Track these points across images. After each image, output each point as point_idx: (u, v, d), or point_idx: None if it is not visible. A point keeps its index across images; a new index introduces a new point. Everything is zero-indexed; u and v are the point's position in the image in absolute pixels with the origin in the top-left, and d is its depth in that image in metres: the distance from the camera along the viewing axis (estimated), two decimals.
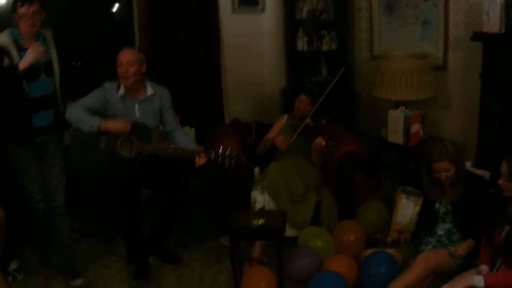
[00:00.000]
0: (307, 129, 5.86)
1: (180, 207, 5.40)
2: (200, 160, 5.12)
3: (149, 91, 5.32)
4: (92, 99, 5.20)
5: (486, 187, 4.68)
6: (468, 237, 4.53)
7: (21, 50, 4.72)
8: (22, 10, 4.68)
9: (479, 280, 3.91)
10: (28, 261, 5.49)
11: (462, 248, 4.48)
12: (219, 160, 5.11)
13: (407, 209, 5.07)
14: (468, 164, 5.24)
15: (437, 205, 4.81)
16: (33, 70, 4.76)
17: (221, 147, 5.16)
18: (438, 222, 4.82)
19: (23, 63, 4.61)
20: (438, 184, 4.75)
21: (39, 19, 4.75)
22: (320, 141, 5.63)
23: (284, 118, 6.21)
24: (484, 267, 4.14)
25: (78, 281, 5.25)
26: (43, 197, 5.11)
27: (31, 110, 4.87)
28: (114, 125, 5.06)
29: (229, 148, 5.15)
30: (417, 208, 5.00)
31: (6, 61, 4.67)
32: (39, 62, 4.78)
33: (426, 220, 4.89)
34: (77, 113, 5.06)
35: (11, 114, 4.86)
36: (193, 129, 6.57)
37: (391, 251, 4.96)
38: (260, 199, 4.69)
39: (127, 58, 5.15)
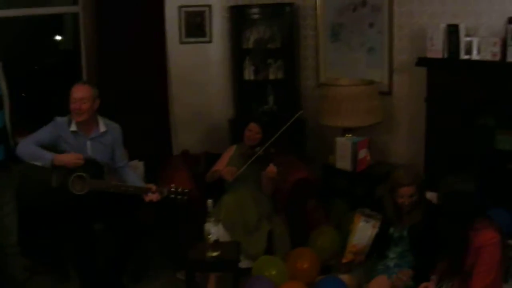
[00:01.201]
0: (257, 158, 5.86)
1: (132, 241, 5.35)
2: (153, 197, 5.11)
3: (102, 127, 5.30)
4: (44, 134, 5.15)
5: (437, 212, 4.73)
6: (421, 261, 4.57)
7: None
8: None
9: None
10: None
11: (404, 275, 4.53)
12: (172, 197, 5.12)
13: (364, 231, 5.09)
14: None
15: (391, 230, 4.86)
16: None
17: (173, 185, 5.17)
18: (391, 246, 4.86)
19: None
20: (396, 210, 4.80)
21: None
22: (272, 168, 5.67)
23: (233, 149, 6.22)
24: (434, 277, 4.22)
25: None
26: None
27: None
28: (67, 158, 5.01)
29: (181, 185, 5.18)
30: (375, 231, 5.03)
31: None
32: None
33: (379, 244, 4.93)
34: (29, 148, 4.99)
35: None
36: (142, 162, 6.51)
37: (344, 277, 4.99)
38: (214, 231, 4.65)
39: (81, 95, 5.11)
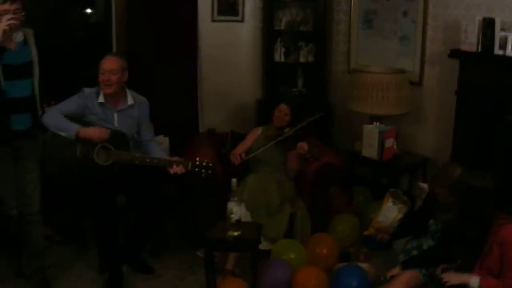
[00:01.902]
0: (285, 139, 5.85)
1: (155, 216, 5.36)
2: (177, 169, 5.10)
3: (129, 100, 5.29)
4: (71, 104, 5.14)
5: None
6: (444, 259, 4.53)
7: None
8: (3, 7, 4.61)
9: (475, 281, 3.94)
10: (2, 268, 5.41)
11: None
12: (196, 170, 5.11)
13: (390, 212, 5.12)
14: None
15: (431, 221, 4.82)
16: (11, 70, 4.69)
17: (197, 158, 5.16)
18: (426, 237, 4.83)
19: None
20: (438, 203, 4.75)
21: (20, 18, 4.66)
22: (303, 145, 5.65)
23: (259, 130, 6.20)
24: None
25: None
26: (17, 204, 5.04)
27: (9, 111, 4.80)
28: (93, 132, 5.00)
29: (206, 159, 5.16)
30: (400, 216, 5.05)
31: None
32: (18, 61, 4.72)
33: (413, 232, 4.92)
34: (55, 118, 4.99)
35: None
36: (167, 138, 6.53)
37: (363, 265, 4.98)
38: (237, 210, 4.63)
39: (110, 66, 5.09)
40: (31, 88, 4.87)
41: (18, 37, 4.68)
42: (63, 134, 4.98)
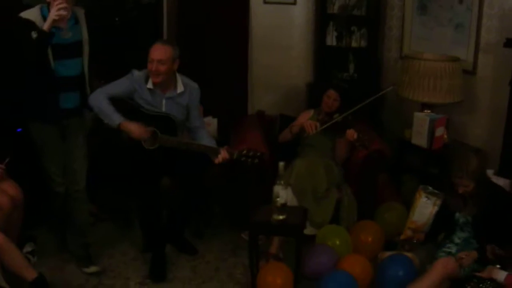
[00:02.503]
0: (334, 125, 5.83)
1: (200, 198, 5.38)
2: (223, 156, 5.09)
3: (179, 88, 5.27)
4: (119, 86, 5.15)
5: (508, 200, 4.62)
6: (484, 247, 4.48)
7: None
8: None
9: (502, 274, 3.91)
10: (43, 244, 5.49)
11: (468, 259, 4.43)
12: (243, 159, 5.09)
13: (425, 208, 5.05)
14: (490, 172, 5.18)
15: (457, 214, 4.77)
16: (62, 49, 4.74)
17: (245, 147, 5.14)
18: (456, 231, 4.78)
19: (47, 24, 4.52)
20: (459, 194, 4.70)
21: (69, 8, 4.66)
22: (352, 132, 5.62)
23: (311, 113, 6.19)
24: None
25: (92, 268, 5.25)
26: (64, 181, 5.10)
27: (58, 89, 4.85)
28: (134, 129, 5.01)
29: (254, 148, 5.15)
30: (435, 209, 4.98)
31: (34, 35, 4.61)
32: (68, 41, 4.76)
33: (441, 226, 4.87)
34: (101, 102, 5.00)
35: (38, 92, 4.83)
36: (215, 119, 6.54)
37: (409, 255, 4.93)
38: (283, 194, 4.62)
39: (159, 56, 5.04)
40: (80, 67, 4.93)
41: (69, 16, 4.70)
42: (105, 120, 5.00)
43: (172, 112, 5.23)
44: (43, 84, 4.80)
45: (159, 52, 5.06)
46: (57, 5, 4.51)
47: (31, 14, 4.70)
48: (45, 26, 4.52)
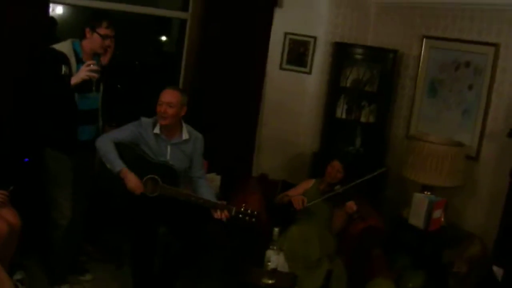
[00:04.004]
0: (335, 196, 5.88)
1: (192, 250, 5.41)
2: (221, 215, 5.16)
3: (184, 135, 5.38)
4: (125, 132, 5.27)
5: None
6: None
7: (79, 62, 4.93)
8: (107, 31, 4.97)
9: None
10: (33, 274, 5.52)
11: None
12: (240, 216, 5.15)
13: None
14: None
15: None
16: (86, 85, 4.92)
17: (243, 205, 5.20)
18: None
19: (75, 79, 4.81)
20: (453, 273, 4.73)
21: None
22: (352, 205, 5.69)
23: (311, 183, 6.24)
24: None
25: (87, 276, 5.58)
26: (69, 214, 5.19)
27: (78, 122, 5.07)
28: (131, 181, 5.08)
29: (251, 207, 5.20)
30: None
31: (64, 69, 4.85)
32: (93, 78, 4.93)
33: None
34: (107, 146, 5.13)
35: (59, 123, 5.05)
36: (219, 176, 6.60)
37: None
38: (274, 259, 4.68)
39: (168, 99, 5.20)
40: (99, 101, 5.12)
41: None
42: (107, 165, 5.10)
43: (176, 159, 5.34)
44: (66, 115, 5.02)
45: (169, 96, 5.22)
46: (88, 65, 4.75)
47: (64, 47, 4.95)
48: (73, 81, 4.81)
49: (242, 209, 5.19)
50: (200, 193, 5.40)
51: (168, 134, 5.33)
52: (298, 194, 6.02)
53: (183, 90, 5.60)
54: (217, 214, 5.19)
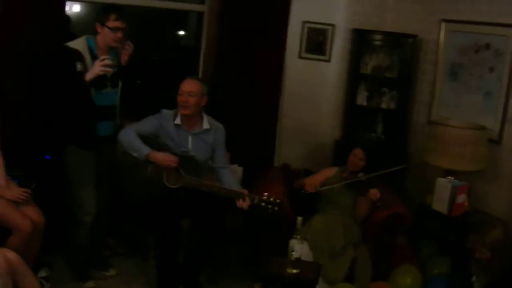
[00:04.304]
0: (357, 183, 5.87)
1: (218, 242, 5.42)
2: (243, 204, 5.16)
3: (205, 125, 5.39)
4: (147, 124, 5.31)
5: None
6: None
7: (94, 58, 4.95)
8: (116, 23, 4.95)
9: None
10: (58, 271, 5.54)
11: None
12: (262, 205, 5.14)
13: None
14: None
15: (474, 278, 4.76)
16: (101, 80, 4.93)
17: (266, 193, 5.19)
18: None
19: (90, 74, 4.83)
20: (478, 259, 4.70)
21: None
22: (375, 192, 5.68)
23: (334, 171, 6.21)
24: None
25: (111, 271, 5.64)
26: (92, 210, 5.22)
27: (96, 118, 5.08)
28: (162, 157, 5.14)
29: (274, 195, 5.18)
30: None
31: (79, 66, 4.86)
32: (107, 73, 4.95)
33: None
34: (130, 137, 5.18)
35: (78, 119, 5.08)
36: (241, 168, 6.60)
37: None
38: (298, 248, 4.66)
39: (189, 88, 5.23)
40: (116, 98, 5.12)
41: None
42: (134, 154, 5.13)
43: (197, 150, 5.36)
44: (83, 110, 5.04)
45: (190, 85, 5.26)
46: (103, 60, 4.76)
47: (78, 44, 4.96)
48: (88, 77, 4.83)
49: (265, 198, 5.18)
50: (225, 183, 5.41)
51: (189, 124, 5.35)
52: (319, 180, 6.01)
53: (202, 79, 5.64)
54: (240, 203, 5.19)
